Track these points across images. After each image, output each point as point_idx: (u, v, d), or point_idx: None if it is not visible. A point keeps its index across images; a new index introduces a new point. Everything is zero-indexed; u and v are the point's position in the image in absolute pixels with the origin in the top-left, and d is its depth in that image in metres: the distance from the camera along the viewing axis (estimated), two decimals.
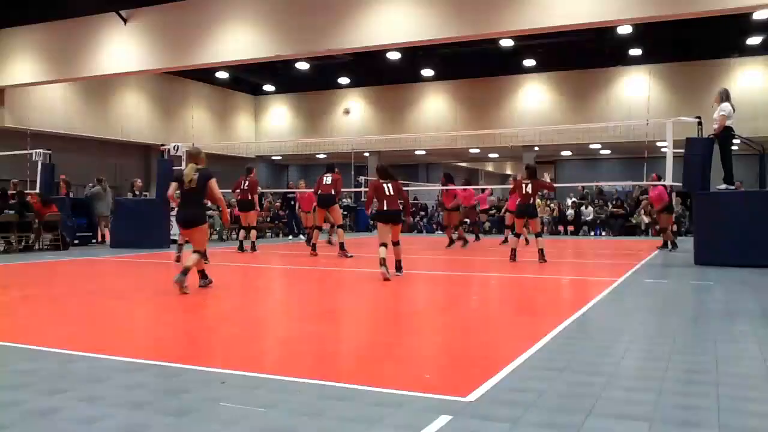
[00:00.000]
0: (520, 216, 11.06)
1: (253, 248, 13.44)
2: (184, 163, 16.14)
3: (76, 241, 15.35)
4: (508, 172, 40.21)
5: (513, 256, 10.61)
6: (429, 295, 7.55)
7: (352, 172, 25.81)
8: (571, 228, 22.48)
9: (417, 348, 4.42)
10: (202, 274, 7.28)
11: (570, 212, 22.72)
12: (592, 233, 22.22)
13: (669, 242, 14.18)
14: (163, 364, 3.81)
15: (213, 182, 7.12)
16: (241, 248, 13.47)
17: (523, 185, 10.76)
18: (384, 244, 8.02)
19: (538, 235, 10.88)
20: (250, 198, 13.69)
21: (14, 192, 14.62)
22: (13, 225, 13.40)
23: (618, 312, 5.72)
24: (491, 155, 32.84)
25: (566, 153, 30.54)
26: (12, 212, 13.38)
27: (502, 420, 2.82)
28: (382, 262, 7.84)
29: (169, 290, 6.89)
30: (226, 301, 6.94)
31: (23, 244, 14.04)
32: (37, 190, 15.23)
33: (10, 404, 3.08)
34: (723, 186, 10.50)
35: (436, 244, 16.90)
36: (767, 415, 2.99)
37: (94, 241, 16.30)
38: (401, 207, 8.22)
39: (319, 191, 12.53)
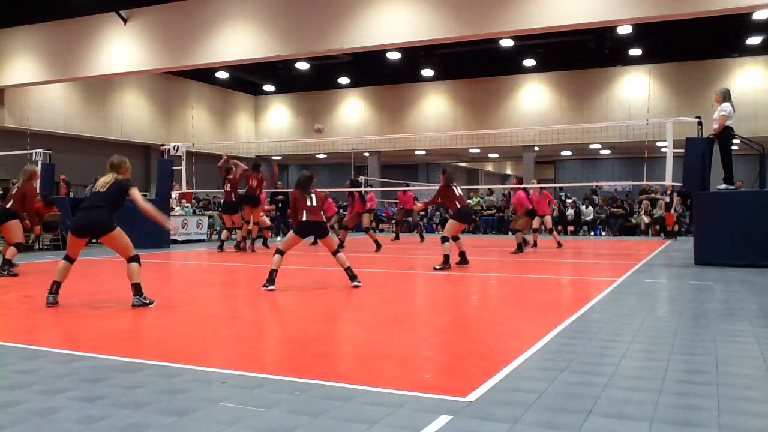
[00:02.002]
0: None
1: (265, 244, 13.72)
2: (183, 164, 16.24)
3: None
4: (508, 172, 40.22)
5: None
6: (429, 295, 7.55)
7: (352, 172, 25.81)
8: (570, 228, 22.49)
9: (417, 348, 4.41)
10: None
11: (570, 212, 22.72)
12: (592, 233, 22.22)
13: (521, 245, 13.31)
14: (163, 364, 3.81)
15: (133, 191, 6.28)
16: (238, 247, 13.46)
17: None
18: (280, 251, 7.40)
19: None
20: (257, 194, 13.63)
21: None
22: None
23: (618, 312, 5.72)
24: (491, 155, 32.85)
25: (566, 153, 30.55)
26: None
27: (502, 420, 2.82)
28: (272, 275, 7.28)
29: (169, 290, 6.89)
30: (227, 301, 6.94)
31: (23, 244, 14.02)
32: (38, 190, 15.22)
33: (10, 404, 3.08)
34: (723, 186, 10.50)
35: (433, 244, 16.91)
36: (767, 415, 2.99)
37: (93, 241, 16.28)
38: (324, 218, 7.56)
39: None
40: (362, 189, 15.67)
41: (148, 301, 6.01)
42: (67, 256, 6.17)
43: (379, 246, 13.86)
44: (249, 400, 3.12)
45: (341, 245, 12.53)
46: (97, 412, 2.96)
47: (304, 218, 7.28)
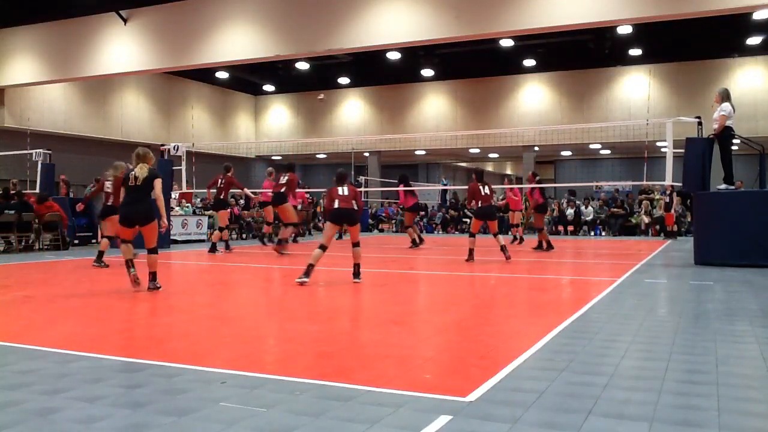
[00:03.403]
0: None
1: (286, 241, 13.51)
2: (183, 164, 16.25)
3: (76, 241, 15.35)
4: (508, 172, 40.21)
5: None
6: (429, 295, 7.55)
7: (353, 172, 25.82)
8: (570, 228, 22.49)
9: (417, 348, 4.41)
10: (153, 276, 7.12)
11: (570, 212, 22.72)
12: (592, 233, 22.22)
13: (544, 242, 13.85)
14: (163, 364, 3.81)
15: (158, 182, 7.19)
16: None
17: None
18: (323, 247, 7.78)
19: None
20: (222, 196, 13.46)
21: (14, 192, 14.63)
22: (13, 225, 13.40)
23: (618, 312, 5.72)
24: (491, 155, 32.86)
25: (566, 153, 30.55)
26: (12, 212, 13.38)
27: (502, 420, 2.82)
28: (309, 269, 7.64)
29: (169, 290, 6.90)
30: (227, 301, 6.94)
31: (23, 244, 14.04)
32: (37, 190, 15.24)
33: (10, 404, 3.08)
34: (723, 186, 10.50)
35: (432, 243, 16.90)
36: (767, 415, 2.99)
37: (94, 241, 16.29)
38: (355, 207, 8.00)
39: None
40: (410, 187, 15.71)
41: (159, 286, 7.02)
42: (124, 240, 7.21)
43: (417, 243, 14.24)
44: (249, 400, 3.12)
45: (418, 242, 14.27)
46: (97, 412, 2.96)
47: (336, 206, 7.86)
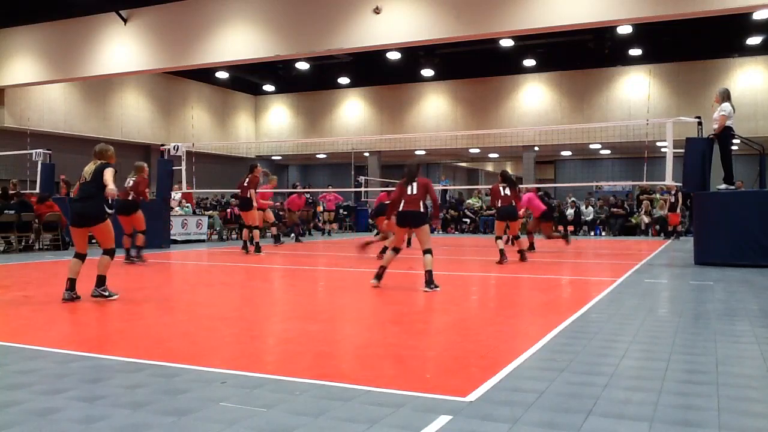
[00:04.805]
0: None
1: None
2: (183, 164, 16.24)
3: None
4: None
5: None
6: (429, 295, 7.54)
7: (352, 172, 25.83)
8: (571, 228, 22.48)
9: (417, 348, 4.41)
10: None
11: (570, 212, 22.72)
12: (592, 233, 22.22)
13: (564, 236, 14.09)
14: (163, 364, 3.81)
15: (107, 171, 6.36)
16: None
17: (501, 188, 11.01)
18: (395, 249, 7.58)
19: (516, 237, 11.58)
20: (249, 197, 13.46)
21: (14, 192, 14.62)
22: (13, 225, 13.40)
23: (618, 312, 5.72)
24: (491, 155, 32.85)
25: (566, 153, 30.55)
26: (12, 212, 13.38)
27: (502, 420, 2.82)
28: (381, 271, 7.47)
29: (169, 290, 6.89)
30: (227, 301, 6.94)
31: (23, 244, 14.04)
32: (37, 190, 15.23)
33: (10, 404, 3.08)
34: (723, 186, 10.50)
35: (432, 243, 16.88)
36: (767, 415, 2.99)
37: (93, 241, 16.29)
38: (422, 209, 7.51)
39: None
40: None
41: (107, 294, 6.34)
42: (77, 252, 6.48)
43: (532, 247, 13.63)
44: (249, 400, 3.12)
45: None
46: (97, 412, 2.96)
47: (401, 209, 7.38)
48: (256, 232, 13.04)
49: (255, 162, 14.93)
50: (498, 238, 11.10)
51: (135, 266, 10.10)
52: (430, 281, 7.15)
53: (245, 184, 13.06)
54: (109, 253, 6.42)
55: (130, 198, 10.53)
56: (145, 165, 11.23)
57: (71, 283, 6.34)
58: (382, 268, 7.46)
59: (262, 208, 14.78)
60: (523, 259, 10.97)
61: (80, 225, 6.39)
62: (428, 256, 7.25)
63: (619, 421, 2.81)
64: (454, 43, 17.39)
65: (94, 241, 6.91)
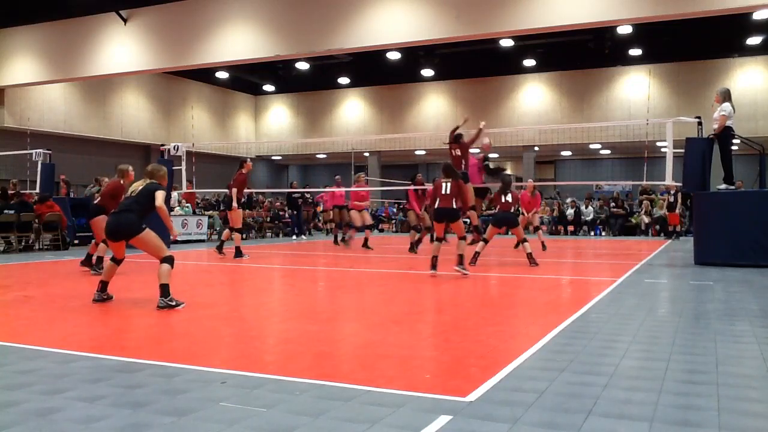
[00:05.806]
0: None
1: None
2: (183, 164, 16.25)
3: (76, 241, 15.34)
4: (508, 172, 40.20)
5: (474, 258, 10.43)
6: (429, 295, 7.54)
7: (352, 172, 25.81)
8: (571, 228, 22.49)
9: (417, 348, 4.41)
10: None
11: (570, 212, 22.73)
12: (592, 233, 22.23)
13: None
14: (163, 364, 3.81)
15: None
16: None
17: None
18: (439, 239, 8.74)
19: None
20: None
21: (14, 192, 14.63)
22: (13, 225, 13.40)
23: (618, 312, 5.72)
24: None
25: (566, 153, 30.56)
26: (12, 212, 13.38)
27: (502, 420, 2.82)
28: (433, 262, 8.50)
29: (169, 290, 6.85)
30: (227, 301, 6.94)
31: (23, 244, 14.04)
32: (37, 190, 15.24)
33: (10, 404, 3.08)
34: (723, 186, 10.50)
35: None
36: (767, 415, 2.99)
37: (93, 240, 16.29)
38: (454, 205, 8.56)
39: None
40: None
41: (174, 303, 5.95)
42: (113, 257, 6.46)
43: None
44: (249, 400, 3.12)
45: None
46: (97, 412, 2.96)
47: (437, 205, 8.42)
48: (237, 236, 12.04)
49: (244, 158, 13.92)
50: (485, 241, 10.45)
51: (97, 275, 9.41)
52: (460, 262, 8.44)
53: (231, 182, 12.41)
54: (167, 261, 6.09)
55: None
56: (130, 168, 10.07)
57: (103, 285, 6.36)
58: (435, 258, 8.47)
59: (357, 209, 14.47)
60: (533, 263, 10.15)
61: (115, 239, 6.25)
62: (462, 242, 8.54)
63: (619, 421, 2.81)
64: (454, 43, 17.38)
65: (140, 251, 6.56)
